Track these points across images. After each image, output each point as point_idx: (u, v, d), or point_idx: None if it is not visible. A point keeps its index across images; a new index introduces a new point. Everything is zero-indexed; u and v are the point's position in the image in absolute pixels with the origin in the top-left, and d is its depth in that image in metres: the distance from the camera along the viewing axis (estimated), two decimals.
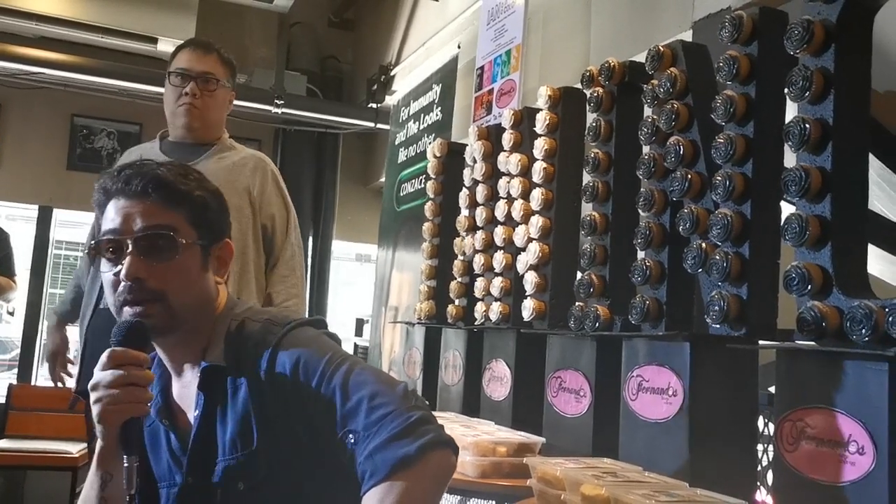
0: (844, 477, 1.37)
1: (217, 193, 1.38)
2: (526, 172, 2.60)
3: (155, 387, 1.37)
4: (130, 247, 1.24)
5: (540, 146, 2.51)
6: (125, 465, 1.20)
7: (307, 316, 1.51)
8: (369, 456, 1.11)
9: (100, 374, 1.22)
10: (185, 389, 1.34)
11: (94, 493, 1.26)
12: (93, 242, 1.30)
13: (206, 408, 1.28)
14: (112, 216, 1.28)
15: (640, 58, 2.10)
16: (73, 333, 2.62)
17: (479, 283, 2.80)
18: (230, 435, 1.26)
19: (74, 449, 4.20)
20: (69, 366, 2.64)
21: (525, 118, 2.70)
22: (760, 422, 2.21)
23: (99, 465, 1.26)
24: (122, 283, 1.25)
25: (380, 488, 1.08)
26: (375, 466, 1.09)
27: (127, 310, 1.25)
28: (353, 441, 1.14)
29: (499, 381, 2.66)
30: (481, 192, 2.89)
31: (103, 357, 1.22)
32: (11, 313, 5.74)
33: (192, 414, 1.31)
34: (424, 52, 4.65)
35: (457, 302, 3.01)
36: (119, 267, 1.25)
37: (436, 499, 1.12)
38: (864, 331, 1.34)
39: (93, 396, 1.22)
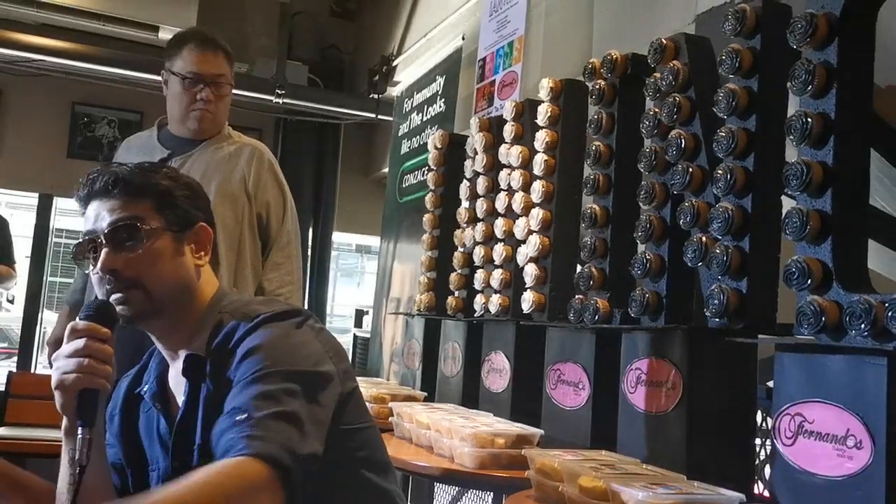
0: (842, 471, 1.37)
1: (188, 184, 1.43)
2: (527, 164, 2.60)
3: (152, 373, 1.44)
4: (103, 242, 1.31)
5: (541, 138, 2.51)
6: (79, 435, 1.23)
7: (303, 305, 1.52)
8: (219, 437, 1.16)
9: (62, 346, 1.27)
10: (179, 376, 1.38)
11: (64, 469, 1.32)
12: (74, 248, 1.37)
13: (190, 393, 1.33)
14: (86, 218, 1.35)
15: (643, 50, 2.09)
16: None
17: (479, 275, 2.80)
18: (206, 420, 1.30)
19: None
20: None
21: (526, 110, 2.70)
22: (759, 416, 2.22)
23: (67, 441, 1.30)
24: (101, 276, 1.31)
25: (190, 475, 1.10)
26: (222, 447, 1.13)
27: (111, 298, 1.31)
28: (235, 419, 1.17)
29: (498, 373, 2.66)
30: (482, 184, 2.89)
31: (66, 329, 1.27)
32: (11, 301, 5.74)
33: (181, 399, 1.36)
34: (426, 42, 4.64)
35: (456, 294, 3.01)
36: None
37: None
38: (863, 325, 1.33)
39: (53, 367, 1.27)
